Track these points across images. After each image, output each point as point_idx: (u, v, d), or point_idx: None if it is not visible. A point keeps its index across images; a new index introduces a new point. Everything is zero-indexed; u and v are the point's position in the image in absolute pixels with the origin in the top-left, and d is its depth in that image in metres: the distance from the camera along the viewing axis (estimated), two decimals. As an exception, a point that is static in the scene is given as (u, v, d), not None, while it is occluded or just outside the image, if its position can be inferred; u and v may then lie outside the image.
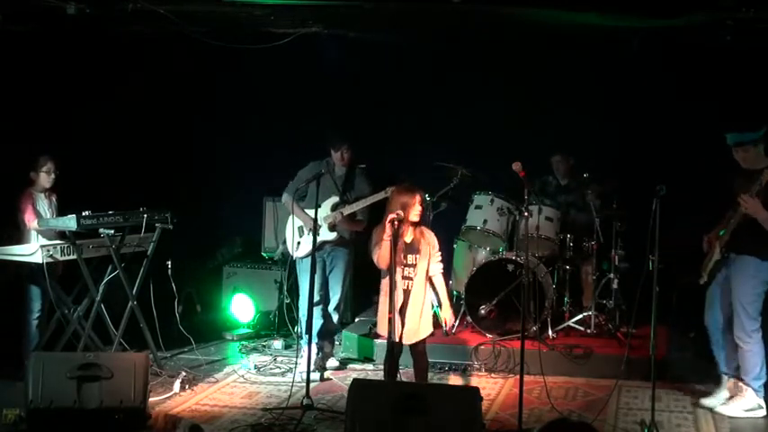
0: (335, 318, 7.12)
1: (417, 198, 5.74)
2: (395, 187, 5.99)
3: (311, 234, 6.65)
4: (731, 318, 5.92)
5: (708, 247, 6.05)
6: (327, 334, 7.13)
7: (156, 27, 7.39)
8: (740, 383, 5.95)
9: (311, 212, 6.68)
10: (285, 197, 7.05)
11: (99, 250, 6.81)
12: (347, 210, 6.82)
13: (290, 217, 7.01)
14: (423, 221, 5.98)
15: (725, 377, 6.10)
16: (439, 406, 4.78)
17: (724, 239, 5.88)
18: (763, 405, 5.91)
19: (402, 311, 5.71)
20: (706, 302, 6.11)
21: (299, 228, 6.94)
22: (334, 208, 6.84)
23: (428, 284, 5.89)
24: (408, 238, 5.79)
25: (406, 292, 5.76)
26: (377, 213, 6.58)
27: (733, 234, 5.82)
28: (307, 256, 6.84)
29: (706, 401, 6.11)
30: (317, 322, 6.93)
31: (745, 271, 5.82)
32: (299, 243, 6.93)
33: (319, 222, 6.49)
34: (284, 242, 7.33)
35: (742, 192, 5.71)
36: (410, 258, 5.77)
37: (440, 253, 5.88)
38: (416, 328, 5.78)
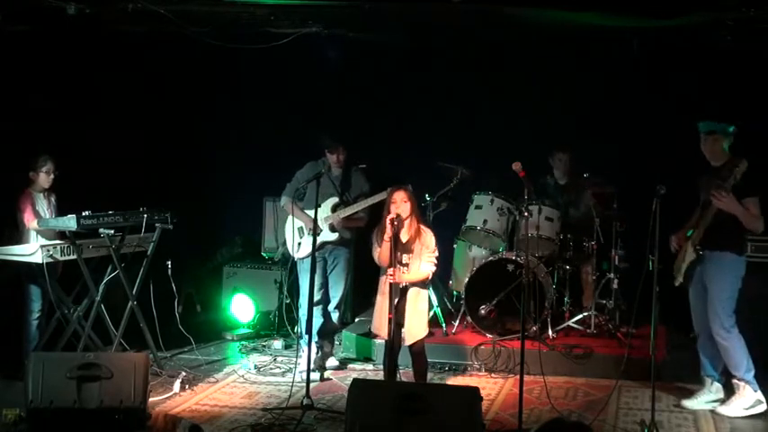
0: (336, 317, 7.12)
1: (396, 195, 5.73)
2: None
3: (311, 235, 6.66)
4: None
5: (677, 246, 6.05)
6: (327, 334, 7.14)
7: (156, 27, 7.39)
8: (736, 381, 5.93)
9: (310, 213, 6.68)
10: (284, 199, 7.06)
11: (99, 250, 6.82)
12: (348, 211, 6.82)
13: (290, 218, 7.02)
14: (423, 221, 5.95)
15: (708, 380, 6.10)
16: (439, 406, 4.78)
17: (697, 237, 5.86)
18: (763, 400, 5.90)
19: (398, 310, 5.72)
20: (691, 306, 6.09)
21: (298, 228, 6.94)
22: (335, 209, 6.84)
23: (425, 285, 5.90)
24: (404, 237, 5.79)
25: (401, 291, 5.76)
26: (377, 211, 6.59)
27: (707, 231, 5.80)
28: (308, 257, 6.84)
29: (687, 402, 6.11)
30: (317, 321, 6.93)
31: (721, 267, 5.83)
32: (299, 244, 6.94)
33: (320, 223, 6.49)
34: (284, 243, 7.32)
35: (712, 188, 5.71)
36: (404, 258, 5.75)
37: (434, 255, 5.82)
38: (410, 329, 5.78)
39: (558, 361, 6.93)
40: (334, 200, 6.87)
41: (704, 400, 6.06)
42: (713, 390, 6.06)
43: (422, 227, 5.86)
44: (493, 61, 8.41)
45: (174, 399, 6.32)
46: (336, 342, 7.53)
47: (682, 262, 6.00)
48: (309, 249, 6.74)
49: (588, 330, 7.37)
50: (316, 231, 6.41)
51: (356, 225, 6.99)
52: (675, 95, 8.03)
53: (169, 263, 7.02)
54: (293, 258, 7.03)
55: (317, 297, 6.59)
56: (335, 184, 6.93)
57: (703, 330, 6.02)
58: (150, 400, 5.77)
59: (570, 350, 7.04)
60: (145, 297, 6.93)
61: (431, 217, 7.56)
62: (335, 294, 7.06)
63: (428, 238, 5.83)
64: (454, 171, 7.67)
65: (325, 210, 6.77)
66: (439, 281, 7.56)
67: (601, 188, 7.55)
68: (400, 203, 5.74)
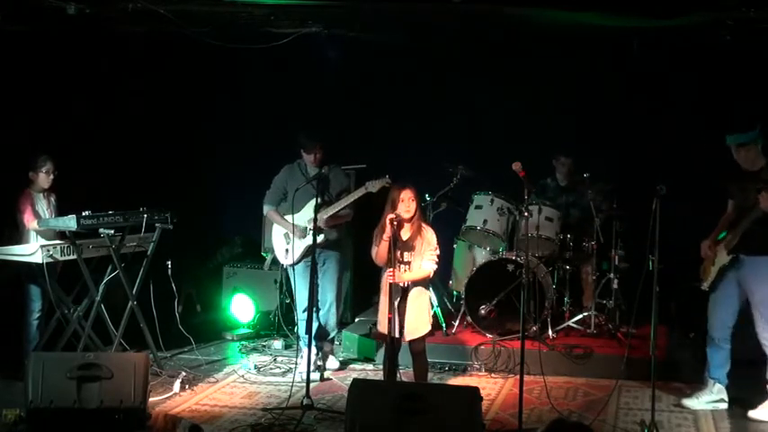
0: (331, 320, 7.04)
1: (404, 194, 5.71)
2: (391, 186, 5.99)
3: (300, 239, 6.64)
4: (737, 323, 5.89)
5: (708, 252, 5.99)
6: (323, 336, 7.10)
7: (156, 27, 7.40)
8: None
9: (291, 218, 6.65)
10: (266, 208, 7.03)
11: (99, 250, 6.82)
12: (330, 210, 6.76)
13: (275, 226, 6.99)
14: (424, 219, 5.95)
15: (711, 381, 6.08)
16: (439, 406, 4.78)
17: (731, 242, 5.81)
18: None
19: (399, 308, 5.71)
20: (709, 306, 6.04)
21: (284, 235, 6.88)
22: (317, 210, 6.77)
23: (426, 283, 5.89)
24: (405, 235, 5.78)
25: (403, 290, 5.75)
26: (367, 205, 6.58)
27: (743, 235, 5.75)
28: (297, 263, 6.83)
29: (688, 402, 6.10)
30: (314, 324, 6.89)
31: (762, 272, 5.76)
32: (286, 251, 6.88)
33: (303, 226, 6.45)
34: (272, 251, 7.27)
35: (757, 190, 5.63)
36: (406, 256, 5.74)
37: (436, 252, 5.80)
38: (412, 326, 5.77)
39: (558, 361, 6.93)
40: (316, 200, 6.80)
41: (705, 400, 6.06)
42: (714, 390, 6.05)
43: (423, 224, 5.85)
44: (493, 61, 8.41)
45: (174, 399, 6.31)
46: (337, 342, 7.52)
47: (711, 265, 5.96)
48: (298, 255, 6.74)
49: (588, 330, 7.37)
50: (316, 231, 6.38)
51: (342, 221, 6.94)
52: (675, 95, 8.03)
53: (169, 263, 7.01)
54: (283, 266, 7.01)
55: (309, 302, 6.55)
56: (313, 184, 6.86)
57: (720, 333, 5.97)
58: (150, 400, 5.77)
59: (570, 350, 7.04)
60: (145, 297, 6.93)
61: (431, 217, 7.55)
62: (327, 299, 7.00)
63: (430, 235, 5.82)
64: (454, 171, 7.67)
65: (308, 212, 6.69)
66: (439, 281, 7.55)
67: (601, 188, 7.56)
68: (408, 202, 5.73)
